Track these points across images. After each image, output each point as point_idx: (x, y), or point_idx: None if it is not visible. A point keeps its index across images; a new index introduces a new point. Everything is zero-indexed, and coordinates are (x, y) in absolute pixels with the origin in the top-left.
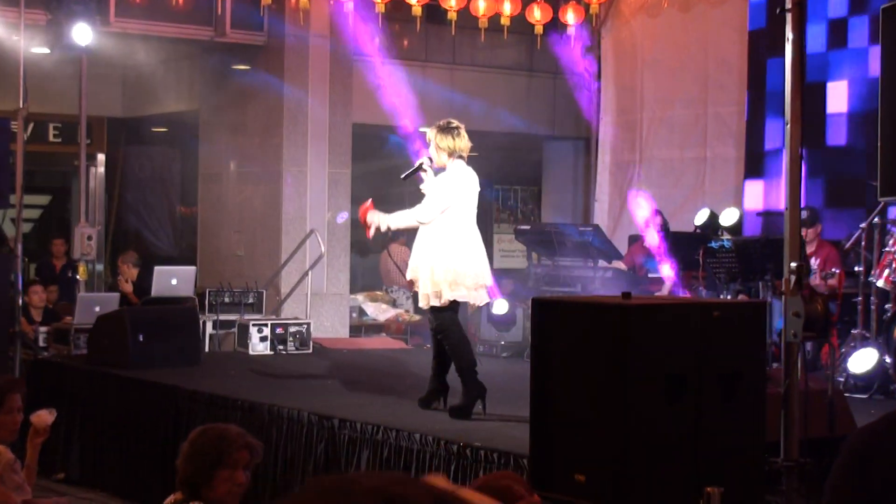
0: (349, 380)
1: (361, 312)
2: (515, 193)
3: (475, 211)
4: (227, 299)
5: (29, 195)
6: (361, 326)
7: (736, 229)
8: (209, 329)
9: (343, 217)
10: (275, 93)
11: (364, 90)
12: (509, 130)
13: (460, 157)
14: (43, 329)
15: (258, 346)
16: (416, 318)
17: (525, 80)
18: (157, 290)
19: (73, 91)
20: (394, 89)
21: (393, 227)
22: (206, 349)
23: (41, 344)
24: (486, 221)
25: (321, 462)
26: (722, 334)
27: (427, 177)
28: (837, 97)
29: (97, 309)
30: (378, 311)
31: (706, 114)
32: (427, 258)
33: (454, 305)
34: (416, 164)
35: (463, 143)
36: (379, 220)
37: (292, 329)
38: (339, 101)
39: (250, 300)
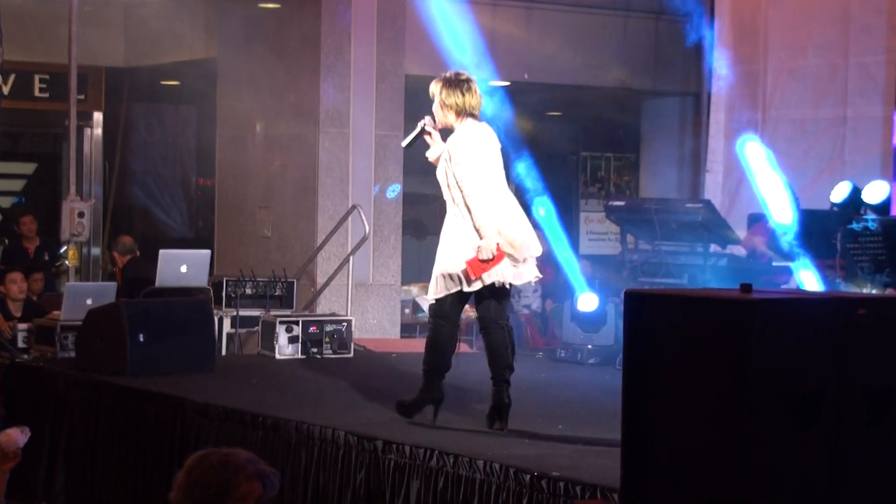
0: (398, 392)
1: (416, 308)
2: (608, 162)
3: (502, 172)
4: (249, 291)
5: (10, 162)
6: (416, 325)
7: (884, 208)
8: (226, 327)
9: (395, 191)
10: (310, 37)
11: (419, 34)
12: (600, 84)
13: (471, 115)
14: (23, 326)
15: (286, 349)
16: None
17: (620, 21)
18: (163, 278)
19: (63, 36)
20: (457, 33)
21: (492, 232)
22: (223, 352)
23: (20, 344)
24: (571, 197)
25: (361, 494)
26: (869, 339)
27: (433, 140)
28: None
29: (89, 302)
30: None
31: (846, 64)
32: (459, 240)
33: (457, 296)
34: (417, 128)
35: (474, 99)
36: (489, 244)
37: (329, 328)
38: (389, 47)
39: (278, 292)
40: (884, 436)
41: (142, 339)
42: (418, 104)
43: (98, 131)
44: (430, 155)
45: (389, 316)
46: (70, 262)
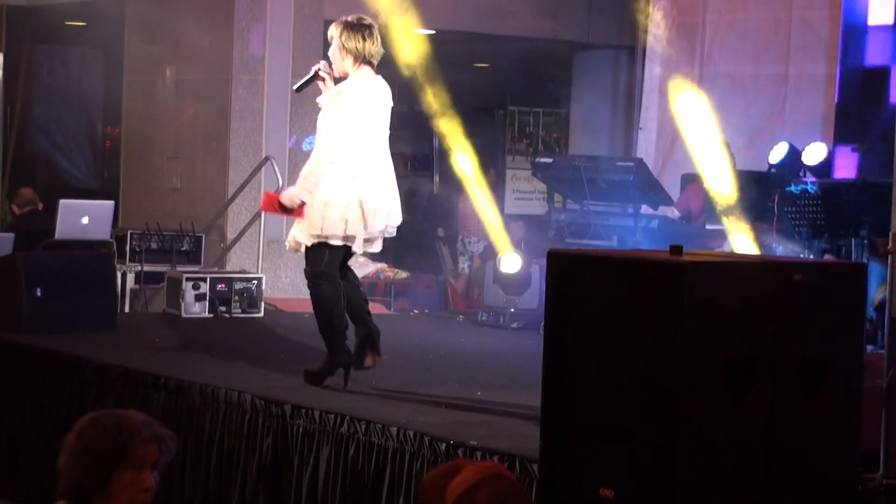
0: (309, 354)
1: None
2: (536, 118)
3: (386, 131)
4: (154, 245)
5: None
6: None
7: (823, 170)
8: (130, 283)
9: (311, 143)
10: None
11: None
12: (529, 35)
13: (368, 62)
14: None
15: (193, 307)
16: (403, 275)
17: None
18: (63, 230)
19: None
20: None
21: (306, 193)
22: (126, 310)
23: None
24: (496, 152)
25: (268, 460)
26: (805, 306)
27: (325, 87)
28: None
29: None
30: (354, 266)
31: (790, 18)
32: (324, 192)
33: (337, 251)
34: (311, 72)
35: (374, 46)
36: (295, 196)
37: (238, 286)
38: None
39: (185, 247)
40: (819, 407)
41: (39, 294)
42: None
43: None
44: (322, 100)
45: (302, 275)
46: None
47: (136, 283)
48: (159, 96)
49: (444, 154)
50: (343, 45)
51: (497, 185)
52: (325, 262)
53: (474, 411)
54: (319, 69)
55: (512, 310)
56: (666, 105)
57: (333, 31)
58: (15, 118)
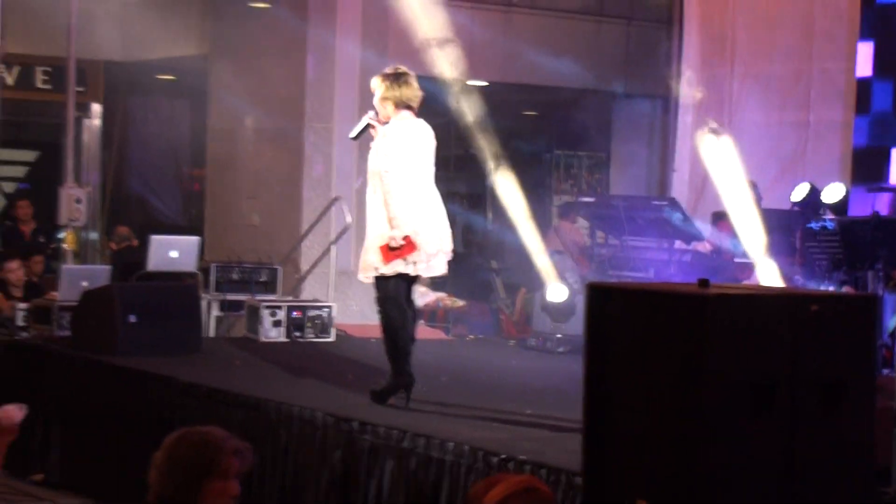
0: (375, 375)
1: None
2: (579, 160)
3: (430, 168)
4: (236, 276)
5: (14, 150)
6: None
7: (841, 208)
8: (214, 311)
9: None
10: (297, 35)
11: (402, 34)
12: (573, 86)
13: (408, 107)
14: (23, 306)
15: (270, 332)
16: (460, 303)
17: (593, 26)
18: (153, 263)
19: (64, 30)
20: (438, 34)
21: (404, 222)
22: (210, 334)
23: (20, 323)
24: (544, 192)
25: (337, 472)
26: (822, 334)
27: (375, 133)
28: None
29: (85, 284)
30: (416, 295)
31: (810, 70)
32: (378, 225)
33: (399, 278)
34: (363, 122)
35: (411, 91)
36: (398, 236)
37: (311, 313)
38: (373, 45)
39: (263, 278)
40: (835, 428)
41: (132, 321)
42: None
43: (96, 122)
44: (374, 145)
45: (370, 303)
46: (69, 246)
47: (219, 310)
48: (240, 142)
49: (496, 193)
50: (384, 96)
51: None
52: (391, 288)
53: (524, 427)
54: (369, 118)
55: (558, 335)
56: (697, 149)
57: (374, 82)
58: (112, 162)
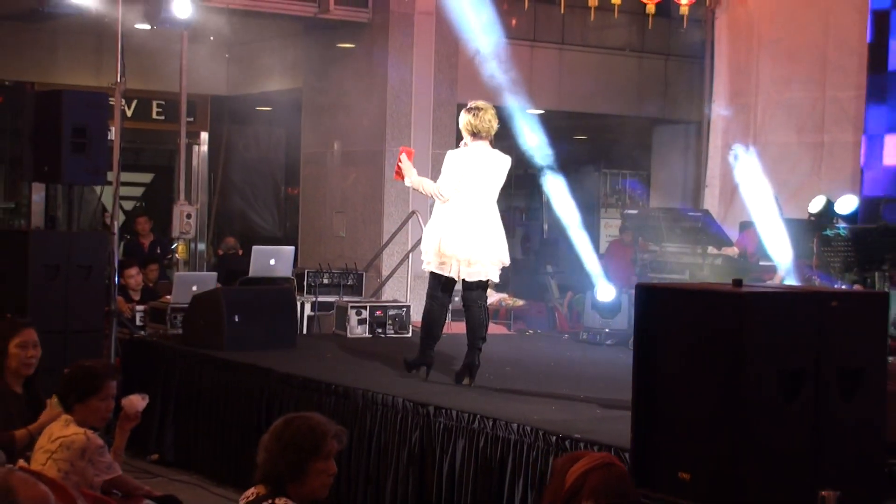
0: (448, 366)
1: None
2: (623, 178)
3: (494, 190)
4: (325, 280)
5: (133, 173)
6: (462, 310)
7: (853, 217)
8: (307, 311)
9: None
10: (379, 71)
11: (470, 69)
12: (618, 113)
13: (479, 136)
14: (140, 308)
15: (356, 329)
16: (520, 303)
17: (635, 61)
18: (254, 270)
19: (176, 68)
20: (501, 69)
21: (415, 186)
22: (304, 331)
23: (138, 323)
24: (593, 206)
25: (416, 451)
26: (842, 326)
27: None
28: None
29: (194, 288)
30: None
31: (824, 98)
32: (436, 232)
33: (438, 277)
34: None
35: (482, 123)
36: (409, 172)
37: (391, 312)
38: (445, 80)
39: (350, 282)
40: (854, 408)
41: (237, 320)
42: None
43: (204, 148)
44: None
45: None
46: (180, 255)
47: (311, 310)
48: (329, 164)
49: (551, 207)
50: (463, 126)
51: (592, 231)
52: (431, 285)
53: (578, 410)
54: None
55: (607, 330)
56: (726, 168)
57: (461, 115)
58: (217, 182)
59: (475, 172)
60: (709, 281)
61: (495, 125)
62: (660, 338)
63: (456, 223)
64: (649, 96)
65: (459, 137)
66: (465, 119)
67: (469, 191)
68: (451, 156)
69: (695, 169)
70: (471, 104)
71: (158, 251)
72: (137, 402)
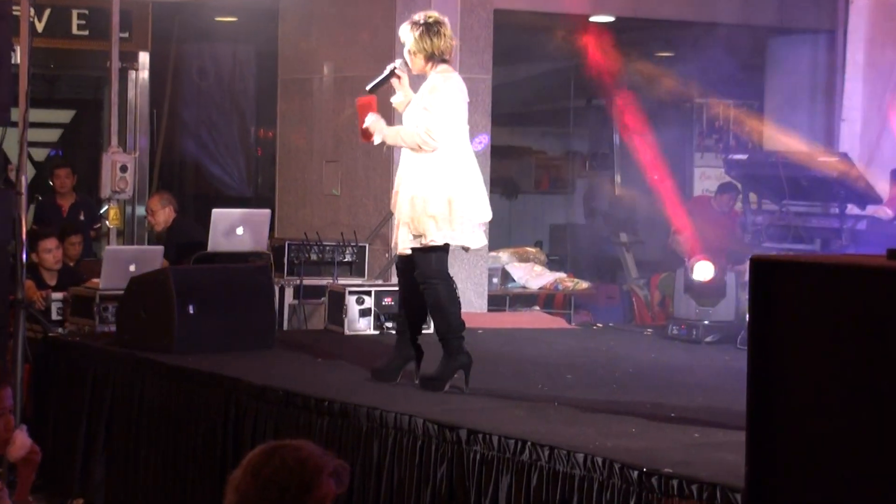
0: (486, 374)
1: (506, 277)
2: (726, 110)
3: (466, 129)
4: (314, 256)
5: (46, 109)
6: (506, 296)
7: None
8: (288, 298)
9: (482, 143)
10: None
11: None
12: (717, 20)
13: (443, 60)
14: (57, 296)
15: (357, 323)
16: (584, 285)
17: None
18: (215, 242)
19: None
20: None
21: (392, 142)
22: (284, 327)
23: (54, 317)
24: (684, 149)
25: (442, 491)
26: None
27: (400, 86)
28: None
29: (132, 268)
30: (530, 276)
31: None
32: (415, 187)
33: (444, 249)
34: (386, 71)
35: (444, 42)
36: (379, 128)
37: None
38: None
39: (347, 258)
40: None
41: (191, 311)
42: (508, 44)
43: (144, 74)
44: (395, 100)
45: (475, 286)
46: (111, 223)
47: (294, 297)
48: (316, 95)
49: (625, 152)
50: (413, 47)
51: (685, 186)
52: (434, 260)
53: (668, 433)
54: (395, 68)
55: (706, 322)
56: (872, 93)
57: (403, 31)
58: (162, 122)
59: (462, 110)
60: (850, 252)
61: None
62: (784, 332)
63: (461, 175)
64: None
65: (499, 55)
66: (415, 39)
67: (461, 132)
68: (442, 85)
69: (826, 96)
70: (421, 18)
71: (82, 217)
72: (22, 439)
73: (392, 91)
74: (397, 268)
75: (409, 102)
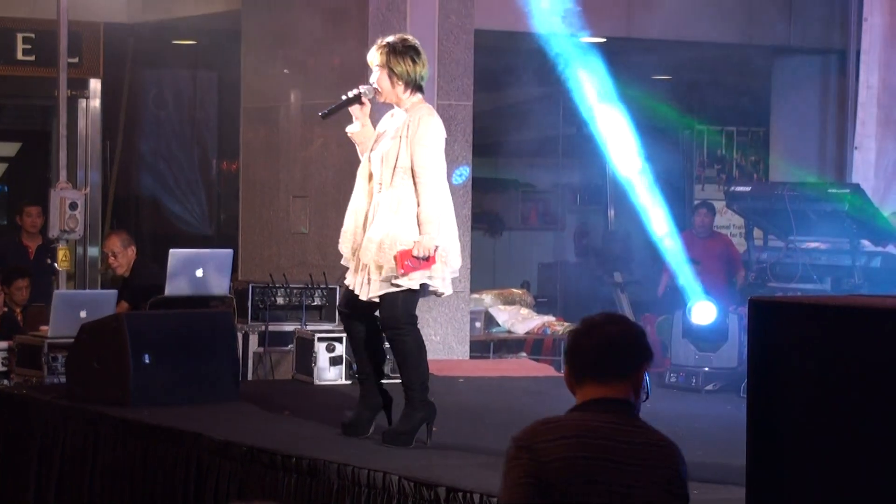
0: (467, 427)
1: (490, 321)
2: (729, 138)
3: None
4: (281, 300)
5: None
6: (490, 342)
7: None
8: (253, 346)
9: (462, 175)
10: None
11: None
12: (719, 40)
13: (419, 88)
14: (1, 345)
15: (327, 373)
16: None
17: None
18: (173, 285)
19: None
20: None
21: (435, 232)
22: (249, 376)
23: None
24: (683, 180)
25: None
26: None
27: (362, 114)
28: None
29: (83, 314)
30: (516, 319)
31: None
32: (393, 227)
33: (416, 292)
34: (351, 95)
35: (424, 69)
36: (430, 245)
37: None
38: None
39: (316, 301)
40: None
41: (147, 361)
42: (490, 67)
43: (95, 103)
44: (353, 129)
45: (456, 332)
46: (60, 265)
47: (259, 345)
48: (283, 125)
49: (618, 184)
50: (393, 71)
51: (683, 220)
52: (405, 304)
53: None
54: (362, 93)
55: (706, 368)
56: (887, 119)
57: (375, 55)
58: (116, 154)
59: (443, 145)
60: (863, 293)
61: None
62: (787, 380)
63: (451, 218)
64: (765, 13)
65: (480, 82)
66: (398, 64)
67: (443, 171)
68: (430, 119)
69: (837, 123)
70: (398, 41)
71: (49, 261)
72: None
73: (347, 118)
74: (344, 312)
75: (373, 135)
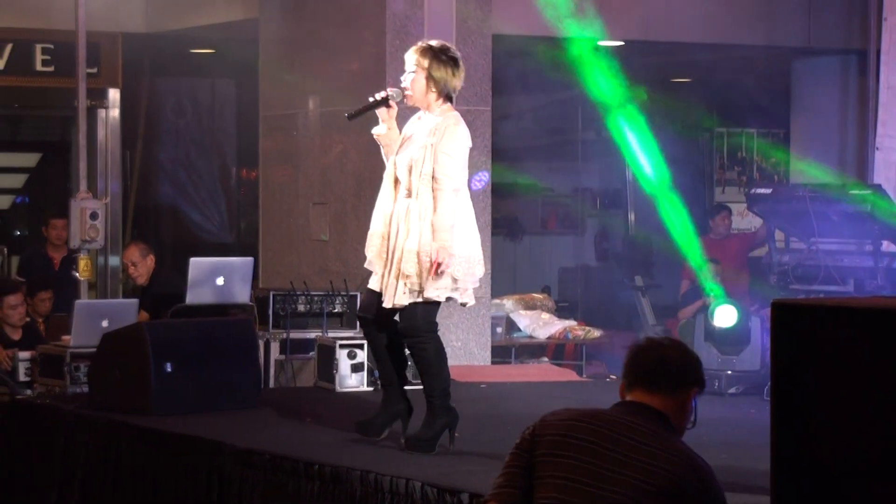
0: (489, 433)
1: (511, 326)
2: (749, 140)
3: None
4: (302, 307)
5: (8, 153)
6: (511, 347)
7: None
8: (274, 353)
9: (482, 180)
10: None
11: None
12: (738, 42)
13: (450, 98)
14: (25, 355)
15: (349, 380)
16: (596, 334)
17: None
18: (194, 293)
19: None
20: None
21: (449, 242)
22: (270, 384)
23: (22, 377)
24: (703, 183)
25: None
26: None
27: (388, 117)
28: None
29: (105, 324)
30: (537, 324)
31: None
32: (425, 236)
33: (438, 302)
34: (379, 97)
35: (459, 81)
36: (446, 255)
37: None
38: (472, 0)
39: (338, 308)
40: None
41: (169, 370)
42: (509, 72)
43: (115, 113)
44: (379, 131)
45: (477, 337)
46: (82, 275)
47: (281, 352)
48: (301, 132)
49: (639, 188)
50: (431, 75)
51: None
52: (427, 314)
53: None
54: (390, 96)
55: (728, 372)
56: None
57: (415, 56)
58: (135, 164)
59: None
60: (884, 294)
61: None
62: (812, 383)
63: (469, 229)
64: (784, 14)
65: (497, 86)
66: (438, 69)
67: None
68: (457, 129)
69: (858, 123)
70: (440, 47)
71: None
72: None
73: (373, 119)
74: (364, 317)
75: (400, 139)
